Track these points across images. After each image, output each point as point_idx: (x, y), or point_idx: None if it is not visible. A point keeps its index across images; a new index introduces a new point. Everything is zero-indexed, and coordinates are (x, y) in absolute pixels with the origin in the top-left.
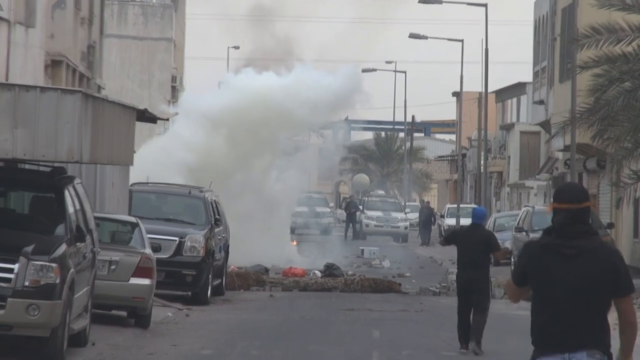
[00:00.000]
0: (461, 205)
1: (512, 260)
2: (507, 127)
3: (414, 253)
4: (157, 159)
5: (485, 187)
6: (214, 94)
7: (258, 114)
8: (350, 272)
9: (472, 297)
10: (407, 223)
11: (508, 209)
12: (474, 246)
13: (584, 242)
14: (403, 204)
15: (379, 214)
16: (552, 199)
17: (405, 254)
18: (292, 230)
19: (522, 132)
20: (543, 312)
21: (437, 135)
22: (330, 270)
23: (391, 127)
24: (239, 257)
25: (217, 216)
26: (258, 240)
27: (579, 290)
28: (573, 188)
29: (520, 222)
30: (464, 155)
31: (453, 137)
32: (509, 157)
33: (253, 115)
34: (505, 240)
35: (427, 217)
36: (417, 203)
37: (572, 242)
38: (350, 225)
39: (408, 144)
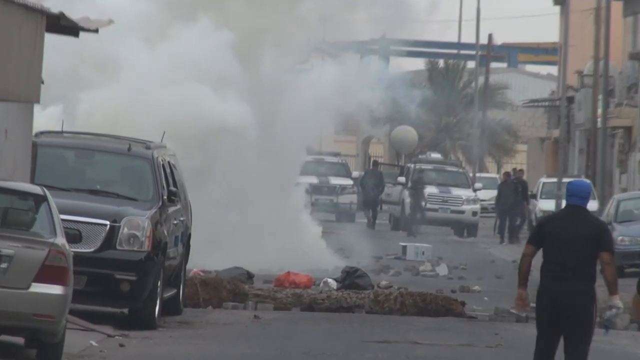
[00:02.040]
0: (564, 180)
1: None
2: None
3: (488, 254)
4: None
5: (603, 152)
6: None
7: None
8: (383, 282)
9: (563, 325)
10: (477, 206)
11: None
12: (571, 241)
13: None
14: (471, 175)
15: (432, 190)
16: None
17: (473, 255)
18: None
19: None
20: None
21: (528, 67)
22: (351, 279)
23: (455, 51)
24: (208, 255)
25: (172, 187)
26: (247, 226)
27: None
28: None
29: None
30: (570, 100)
31: (554, 70)
32: None
33: None
34: (636, 236)
35: (514, 196)
36: (494, 174)
37: None
38: (371, 211)
39: (481, 80)
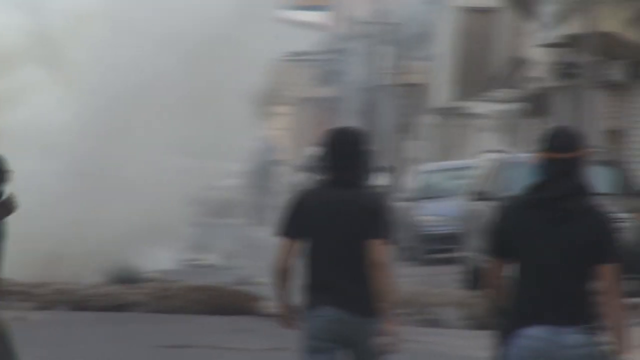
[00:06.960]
0: None
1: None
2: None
3: (249, 237)
4: None
5: (386, 115)
6: None
7: None
8: (149, 274)
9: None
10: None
11: (436, 157)
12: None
13: (574, 203)
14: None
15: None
16: (541, 147)
17: (235, 239)
18: None
19: (463, 10)
20: (528, 283)
21: (286, 13)
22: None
23: None
24: None
25: None
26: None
27: (566, 258)
28: (561, 132)
29: (484, 183)
30: (342, 53)
31: (319, 17)
32: (437, 57)
33: None
34: (447, 215)
35: (264, 167)
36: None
37: (560, 202)
38: None
39: None
